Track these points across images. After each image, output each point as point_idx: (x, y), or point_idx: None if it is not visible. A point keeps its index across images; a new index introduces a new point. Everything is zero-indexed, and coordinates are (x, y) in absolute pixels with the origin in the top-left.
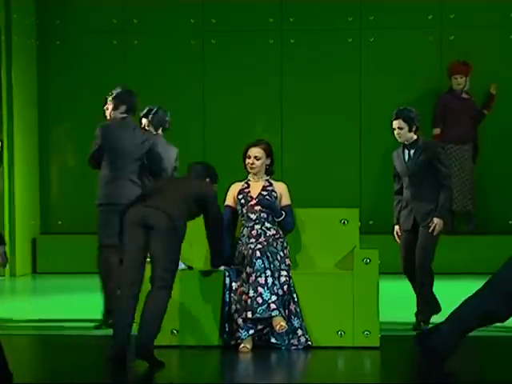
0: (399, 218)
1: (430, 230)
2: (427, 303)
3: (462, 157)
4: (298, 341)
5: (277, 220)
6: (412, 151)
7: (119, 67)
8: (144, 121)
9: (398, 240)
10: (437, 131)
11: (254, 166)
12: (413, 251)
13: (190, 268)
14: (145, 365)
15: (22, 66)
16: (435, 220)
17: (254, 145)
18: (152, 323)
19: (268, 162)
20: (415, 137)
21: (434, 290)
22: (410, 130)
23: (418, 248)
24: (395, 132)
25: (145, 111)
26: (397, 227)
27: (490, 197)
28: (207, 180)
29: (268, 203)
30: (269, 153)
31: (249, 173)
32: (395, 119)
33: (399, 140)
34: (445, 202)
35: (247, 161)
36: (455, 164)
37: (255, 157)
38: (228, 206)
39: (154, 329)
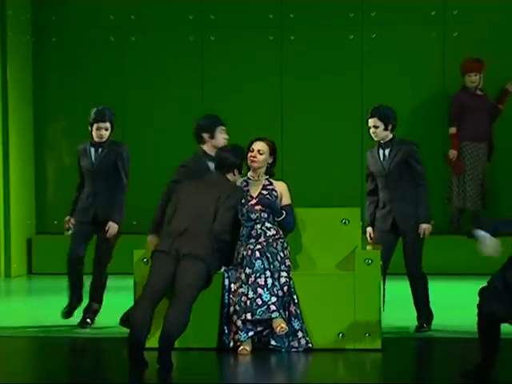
0: (373, 219)
1: (421, 236)
2: (426, 304)
3: (476, 155)
4: (299, 343)
5: (277, 220)
6: (387, 150)
7: (116, 64)
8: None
9: (369, 241)
10: (453, 130)
11: (255, 159)
12: (390, 251)
13: None
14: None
15: (18, 63)
16: (423, 226)
17: (260, 139)
18: (177, 322)
19: (270, 160)
20: (391, 136)
21: (431, 291)
22: (385, 129)
23: (408, 254)
24: (371, 131)
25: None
26: (369, 229)
27: (496, 196)
28: (236, 172)
29: (269, 202)
30: (272, 151)
31: (249, 168)
32: (370, 117)
33: (375, 139)
34: (425, 204)
35: (250, 154)
36: (469, 162)
37: (258, 150)
38: None
39: (179, 326)
